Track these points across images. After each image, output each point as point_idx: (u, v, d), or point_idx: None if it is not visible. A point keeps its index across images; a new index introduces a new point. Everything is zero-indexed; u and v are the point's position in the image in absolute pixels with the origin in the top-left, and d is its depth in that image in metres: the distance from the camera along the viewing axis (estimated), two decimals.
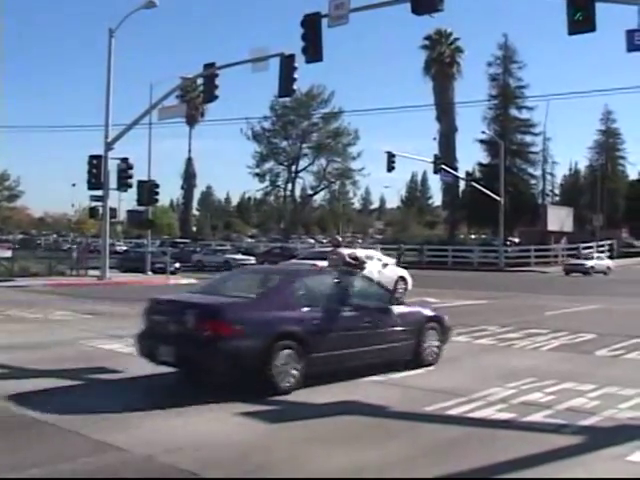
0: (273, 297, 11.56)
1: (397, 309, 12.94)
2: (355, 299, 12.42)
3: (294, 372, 10.82)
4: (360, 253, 28.50)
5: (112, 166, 36.01)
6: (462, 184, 79.28)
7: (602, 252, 67.34)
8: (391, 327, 12.64)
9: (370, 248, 44.67)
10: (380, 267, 29.09)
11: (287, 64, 25.10)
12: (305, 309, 11.39)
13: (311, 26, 21.78)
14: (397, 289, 29.52)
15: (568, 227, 74.42)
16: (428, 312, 14.00)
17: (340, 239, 27.53)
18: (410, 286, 30.03)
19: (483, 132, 76.18)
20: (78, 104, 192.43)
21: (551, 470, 7.37)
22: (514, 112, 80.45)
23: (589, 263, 53.68)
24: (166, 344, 10.83)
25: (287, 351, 10.71)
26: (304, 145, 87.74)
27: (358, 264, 26.15)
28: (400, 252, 54.78)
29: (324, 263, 25.04)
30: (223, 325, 10.36)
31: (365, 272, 26.34)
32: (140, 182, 39.98)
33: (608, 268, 54.73)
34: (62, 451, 7.75)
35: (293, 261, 31.27)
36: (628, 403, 10.31)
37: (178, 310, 11.13)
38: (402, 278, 30.11)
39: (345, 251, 28.51)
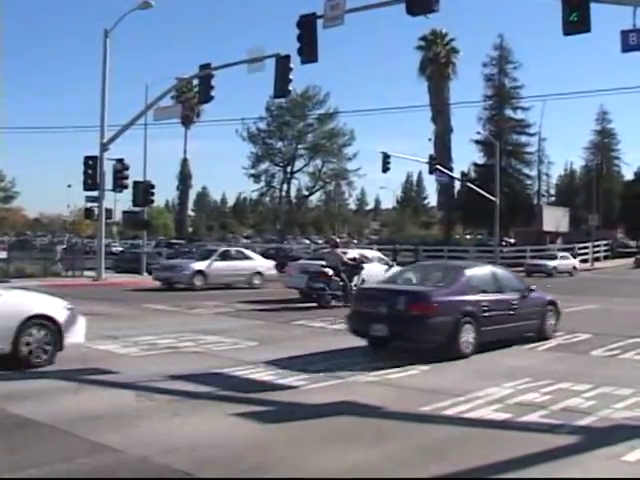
0: (456, 285, 15.02)
1: (530, 295, 16.68)
2: (506, 287, 16.24)
3: (472, 341, 14.41)
4: (357, 254, 28.66)
5: (108, 167, 35.98)
6: (457, 184, 79.30)
7: (598, 252, 67.58)
8: (527, 309, 16.36)
9: (366, 248, 44.60)
10: (382, 268, 29.17)
11: (283, 65, 25.09)
12: (477, 294, 15.04)
13: (307, 27, 21.77)
14: None
15: (564, 227, 74.53)
16: (548, 297, 17.88)
17: (338, 240, 27.63)
18: None
19: (478, 132, 76.22)
20: (75, 105, 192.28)
21: (547, 470, 7.39)
22: (509, 112, 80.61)
23: (551, 263, 51.15)
24: (378, 322, 14.23)
25: (467, 325, 14.34)
26: (300, 146, 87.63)
27: (356, 265, 26.33)
28: (395, 252, 54.79)
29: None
30: (428, 307, 14.00)
31: (364, 273, 26.63)
32: (136, 183, 39.90)
33: (574, 268, 53.03)
34: (58, 452, 7.75)
35: (301, 262, 31.31)
36: (624, 403, 10.34)
37: (388, 296, 14.68)
38: None
39: (352, 253, 28.73)
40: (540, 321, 16.87)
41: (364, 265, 26.84)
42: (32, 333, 12.31)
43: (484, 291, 15.37)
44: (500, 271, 17.32)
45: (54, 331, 12.58)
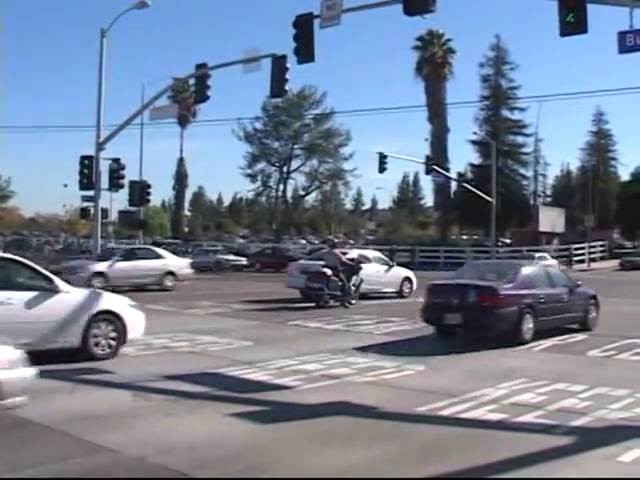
0: (517, 281, 17.10)
1: (577, 290, 18.79)
2: (557, 283, 18.42)
3: (531, 329, 16.58)
4: (356, 254, 28.76)
5: (104, 166, 35.92)
6: (454, 185, 79.41)
7: (594, 252, 67.61)
8: (574, 302, 18.47)
9: (365, 249, 44.60)
10: (382, 268, 29.26)
11: (279, 65, 25.07)
12: (534, 289, 17.15)
13: (303, 27, 21.76)
14: (403, 289, 29.73)
15: (560, 228, 74.61)
16: (591, 292, 19.80)
17: (336, 240, 27.70)
18: (415, 286, 30.26)
19: (475, 133, 76.39)
20: (71, 104, 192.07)
21: (543, 470, 7.40)
22: (506, 113, 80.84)
23: None
24: (452, 312, 16.41)
25: (527, 315, 16.51)
26: (296, 146, 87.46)
27: (355, 265, 26.40)
28: (392, 252, 54.78)
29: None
30: (496, 299, 16.14)
31: (363, 273, 26.71)
32: (132, 182, 39.88)
33: None
34: (54, 452, 7.74)
35: (302, 262, 31.31)
36: (619, 404, 10.35)
37: (460, 290, 16.86)
38: (408, 279, 30.40)
39: (351, 253, 28.82)
40: (584, 313, 18.95)
41: (363, 265, 26.95)
42: (100, 327, 13.24)
43: (539, 286, 17.49)
44: (551, 269, 20.62)
45: (119, 326, 13.49)
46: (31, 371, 8.62)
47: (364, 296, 26.93)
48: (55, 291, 12.94)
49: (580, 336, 17.74)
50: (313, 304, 24.99)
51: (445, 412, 9.79)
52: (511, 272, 17.71)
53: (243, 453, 7.83)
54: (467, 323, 16.58)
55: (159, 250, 36.62)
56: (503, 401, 10.47)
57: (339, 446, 8.15)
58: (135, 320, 14.01)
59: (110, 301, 13.94)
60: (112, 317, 13.50)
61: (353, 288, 25.96)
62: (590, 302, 19.28)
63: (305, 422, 9.27)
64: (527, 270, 18.10)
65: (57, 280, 13.26)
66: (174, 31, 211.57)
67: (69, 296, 13.12)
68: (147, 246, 41.54)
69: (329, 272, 25.19)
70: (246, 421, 9.18)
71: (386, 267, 29.77)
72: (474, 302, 16.28)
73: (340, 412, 9.72)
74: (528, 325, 16.51)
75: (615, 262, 64.95)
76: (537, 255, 51.91)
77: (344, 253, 27.61)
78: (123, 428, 8.66)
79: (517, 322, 16.25)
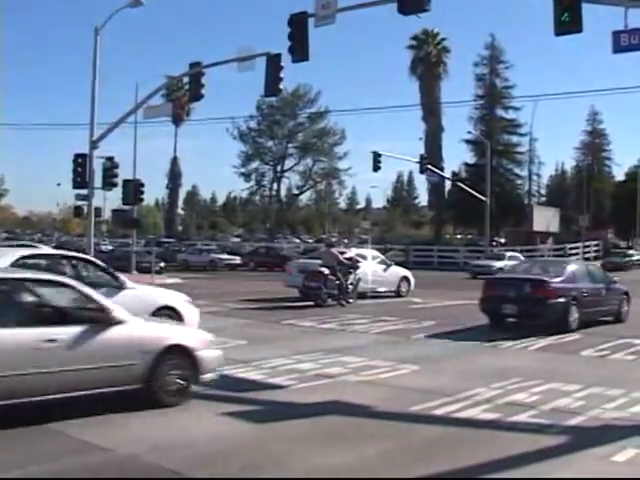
0: (565, 276, 19.23)
1: (613, 286, 20.96)
2: (596, 279, 20.59)
3: (577, 318, 18.47)
4: (354, 253, 28.83)
5: (97, 165, 35.81)
6: (448, 184, 79.58)
7: (588, 252, 67.67)
8: (611, 297, 20.66)
9: (361, 248, 44.60)
10: (379, 267, 29.29)
11: (273, 63, 25.03)
12: (578, 283, 19.24)
13: (298, 25, 21.72)
14: (401, 289, 29.78)
15: (554, 228, 74.62)
16: (624, 288, 21.82)
17: (334, 239, 27.76)
18: (413, 286, 30.33)
19: (469, 132, 76.56)
20: (65, 103, 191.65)
21: (537, 470, 7.41)
22: (500, 112, 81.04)
23: (497, 264, 45.67)
24: (509, 304, 18.67)
25: (574, 307, 18.47)
26: (290, 145, 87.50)
27: (352, 264, 26.46)
28: (386, 251, 54.79)
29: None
30: (548, 291, 18.29)
31: (360, 272, 26.77)
32: (125, 181, 39.78)
33: None
34: (46, 451, 7.72)
35: (300, 261, 31.32)
36: (613, 403, 10.38)
37: (515, 283, 19.17)
38: (405, 278, 30.48)
39: (349, 252, 28.91)
40: (618, 307, 21.00)
41: (360, 264, 27.04)
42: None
43: (582, 281, 19.60)
44: (591, 267, 23.13)
45: (177, 320, 13.80)
46: (219, 352, 10.26)
47: (361, 295, 26.94)
48: (121, 287, 13.90)
49: (574, 335, 17.76)
50: (311, 303, 25.03)
51: (439, 411, 9.79)
52: (559, 268, 20.05)
53: (237, 452, 7.83)
54: (522, 312, 18.72)
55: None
56: (497, 400, 10.48)
57: (333, 445, 8.15)
58: (191, 315, 14.92)
59: (169, 297, 15.20)
60: (171, 312, 14.42)
61: (350, 287, 26.00)
62: (623, 297, 21.37)
63: (299, 421, 9.27)
64: (572, 267, 20.55)
65: (121, 277, 14.38)
66: (168, 29, 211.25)
67: (134, 291, 14.10)
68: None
69: (327, 271, 25.23)
70: (240, 420, 9.18)
71: (384, 266, 29.83)
72: (528, 294, 18.49)
73: (334, 411, 9.73)
74: (574, 315, 18.47)
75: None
76: (508, 254, 50.48)
77: (342, 252, 27.66)
78: (116, 427, 8.64)
79: (565, 312, 18.29)
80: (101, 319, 9.33)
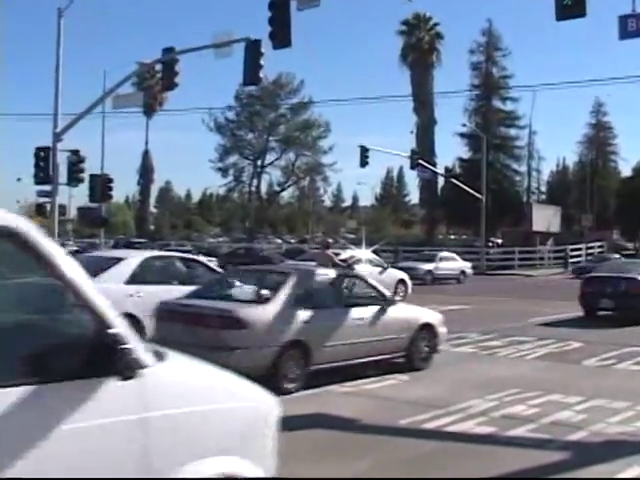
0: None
1: None
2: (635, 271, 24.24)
3: None
4: (349, 255, 29.05)
5: (62, 159, 35.63)
6: (441, 180, 79.47)
7: (591, 254, 67.84)
8: None
9: (353, 249, 44.56)
10: (375, 270, 29.45)
11: (253, 50, 24.99)
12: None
13: (279, 9, 21.69)
14: (397, 292, 29.90)
15: (555, 227, 74.72)
16: None
17: (331, 240, 28.06)
18: (410, 290, 30.51)
19: (464, 125, 76.49)
20: (25, 90, 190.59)
21: None
22: (497, 103, 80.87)
23: (424, 267, 42.98)
24: (607, 299, 23.13)
25: None
26: (271, 138, 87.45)
27: (347, 266, 26.56)
28: (376, 252, 54.79)
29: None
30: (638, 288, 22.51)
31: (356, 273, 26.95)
32: (92, 176, 39.57)
33: (462, 273, 45.36)
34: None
35: (290, 262, 31.42)
36: (617, 417, 10.38)
37: (612, 280, 23.48)
38: (402, 281, 30.77)
39: (344, 254, 29.12)
40: None
41: (355, 267, 27.17)
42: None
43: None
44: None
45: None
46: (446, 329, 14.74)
47: None
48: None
49: (576, 344, 17.79)
50: None
51: (429, 425, 9.78)
52: (628, 268, 25.02)
53: None
54: (618, 306, 23.02)
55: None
56: (492, 413, 10.47)
57: (316, 461, 8.14)
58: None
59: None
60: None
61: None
62: None
63: (280, 435, 9.23)
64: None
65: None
66: (140, 11, 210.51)
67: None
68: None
69: None
70: None
71: (379, 269, 30.06)
72: (625, 290, 22.77)
73: (318, 425, 9.72)
74: None
75: None
76: (439, 255, 46.30)
77: (336, 254, 27.77)
78: None
79: None
80: (382, 302, 13.91)
